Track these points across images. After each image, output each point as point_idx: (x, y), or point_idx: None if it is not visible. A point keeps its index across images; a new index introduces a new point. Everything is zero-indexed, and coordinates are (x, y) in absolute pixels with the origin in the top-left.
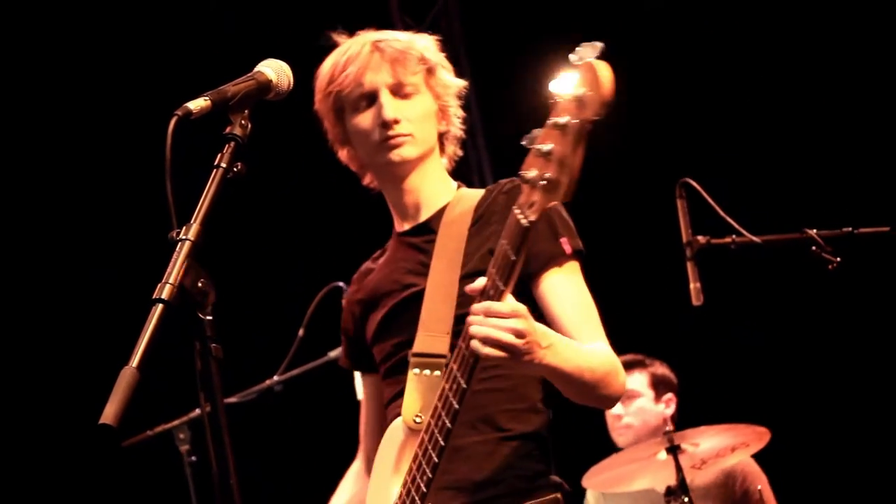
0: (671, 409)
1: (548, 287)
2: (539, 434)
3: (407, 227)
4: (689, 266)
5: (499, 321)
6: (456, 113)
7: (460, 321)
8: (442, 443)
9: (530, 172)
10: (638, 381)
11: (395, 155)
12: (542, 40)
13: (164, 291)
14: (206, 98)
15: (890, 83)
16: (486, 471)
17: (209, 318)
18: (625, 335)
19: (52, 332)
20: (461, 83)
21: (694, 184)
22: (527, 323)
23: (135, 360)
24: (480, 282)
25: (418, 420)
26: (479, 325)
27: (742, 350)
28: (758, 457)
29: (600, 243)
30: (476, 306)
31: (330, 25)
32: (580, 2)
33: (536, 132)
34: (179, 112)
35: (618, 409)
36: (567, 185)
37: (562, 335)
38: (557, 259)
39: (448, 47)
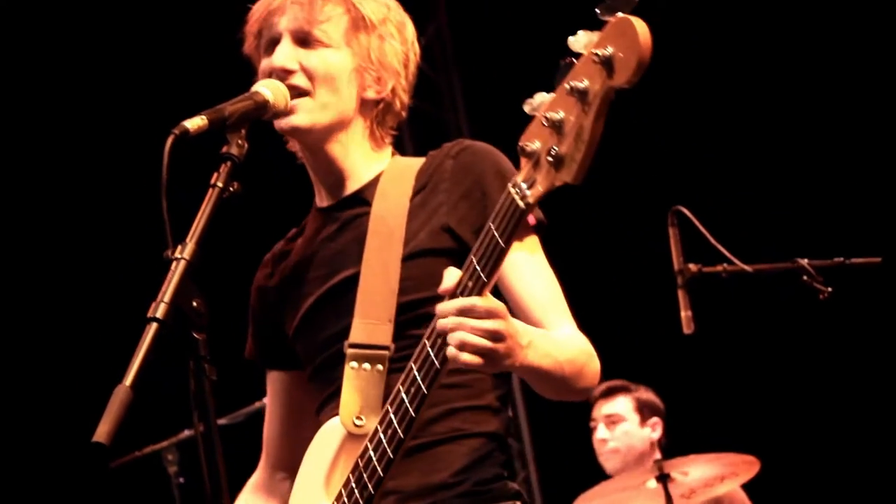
0: (657, 433)
1: (508, 264)
2: (498, 435)
3: (332, 200)
4: (681, 294)
5: (476, 323)
6: (391, 82)
7: (406, 309)
8: (391, 455)
9: (532, 144)
10: (622, 405)
11: (285, 123)
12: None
13: (159, 310)
14: (204, 117)
15: (882, 113)
16: (439, 473)
17: (203, 337)
18: (616, 362)
19: (45, 350)
20: (401, 50)
21: (686, 212)
22: (506, 324)
23: (129, 379)
24: (454, 274)
25: (359, 423)
26: (455, 329)
27: (733, 379)
28: (747, 487)
29: (592, 269)
30: (447, 304)
31: None
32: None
33: (542, 96)
34: (176, 130)
35: (603, 433)
36: (581, 164)
37: (535, 327)
38: (519, 232)
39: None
